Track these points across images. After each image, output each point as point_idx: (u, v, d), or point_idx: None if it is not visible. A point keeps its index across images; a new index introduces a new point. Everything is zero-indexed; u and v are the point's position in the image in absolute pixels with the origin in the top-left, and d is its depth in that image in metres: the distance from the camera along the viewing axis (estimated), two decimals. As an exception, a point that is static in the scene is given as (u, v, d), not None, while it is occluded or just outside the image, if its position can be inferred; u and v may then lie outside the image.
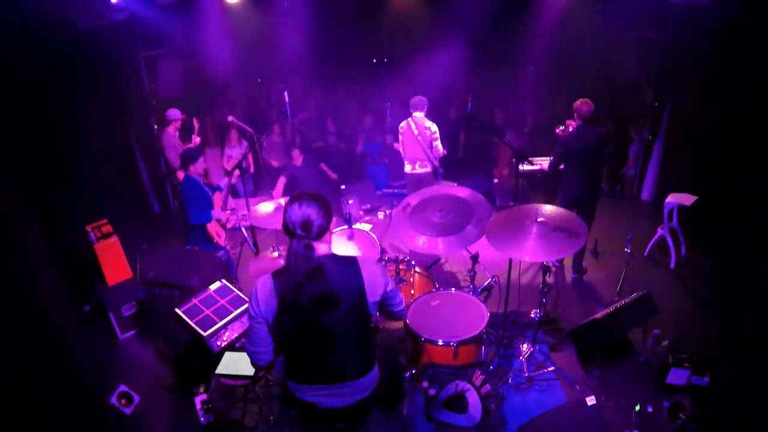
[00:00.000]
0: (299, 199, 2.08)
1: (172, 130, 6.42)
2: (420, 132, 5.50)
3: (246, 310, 3.42)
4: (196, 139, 6.59)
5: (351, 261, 2.13)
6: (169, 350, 4.00)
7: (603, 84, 7.67)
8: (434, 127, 5.50)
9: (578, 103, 4.71)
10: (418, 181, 5.60)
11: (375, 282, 2.12)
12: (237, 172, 4.38)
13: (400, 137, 5.71)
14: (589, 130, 4.71)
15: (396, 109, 7.76)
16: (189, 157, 4.48)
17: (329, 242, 2.17)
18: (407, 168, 5.75)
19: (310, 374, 2.15)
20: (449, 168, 7.20)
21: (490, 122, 7.61)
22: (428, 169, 5.68)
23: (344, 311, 2.05)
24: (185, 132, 6.57)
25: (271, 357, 2.18)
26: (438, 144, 5.52)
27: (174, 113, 6.39)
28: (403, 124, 5.65)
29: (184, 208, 4.44)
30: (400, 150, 5.78)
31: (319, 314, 2.03)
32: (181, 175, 5.34)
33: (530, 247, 3.05)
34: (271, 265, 3.38)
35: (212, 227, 4.58)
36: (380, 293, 2.15)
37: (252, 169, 7.31)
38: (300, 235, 2.04)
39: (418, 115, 5.54)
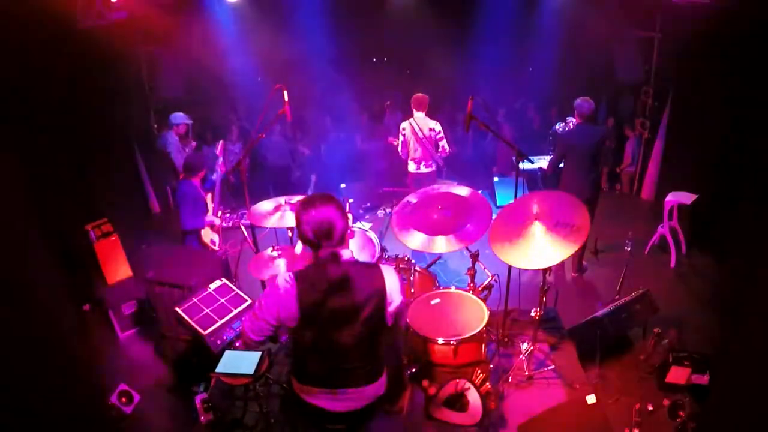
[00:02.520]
0: (312, 203, 1.94)
1: (173, 134, 6.29)
2: (424, 133, 5.43)
3: (248, 307, 3.44)
4: (192, 144, 6.55)
5: (374, 266, 2.08)
6: (169, 349, 4.01)
7: (603, 84, 7.68)
8: (438, 127, 5.43)
9: (579, 101, 4.71)
10: (422, 180, 5.53)
11: (394, 289, 2.05)
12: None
13: (401, 138, 5.60)
14: (589, 129, 4.71)
15: (396, 107, 7.74)
16: (193, 166, 4.46)
17: (348, 244, 2.09)
18: (411, 167, 5.66)
19: (318, 378, 2.13)
20: (450, 167, 7.21)
21: (490, 121, 7.60)
22: (433, 168, 5.62)
23: (362, 320, 1.99)
24: (185, 136, 6.49)
25: (262, 340, 2.09)
26: (444, 143, 5.46)
27: (180, 117, 6.24)
28: (404, 125, 5.53)
29: (178, 212, 4.44)
30: (399, 149, 5.70)
31: (337, 328, 1.97)
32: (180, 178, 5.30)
33: (534, 250, 3.02)
34: (270, 264, 3.36)
35: (206, 235, 4.53)
36: (397, 302, 2.07)
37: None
38: (325, 244, 1.93)
39: (419, 114, 5.44)
